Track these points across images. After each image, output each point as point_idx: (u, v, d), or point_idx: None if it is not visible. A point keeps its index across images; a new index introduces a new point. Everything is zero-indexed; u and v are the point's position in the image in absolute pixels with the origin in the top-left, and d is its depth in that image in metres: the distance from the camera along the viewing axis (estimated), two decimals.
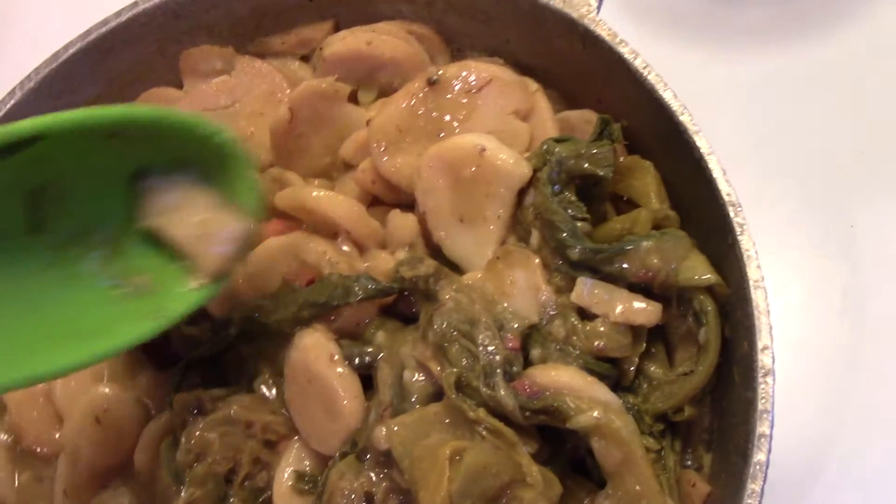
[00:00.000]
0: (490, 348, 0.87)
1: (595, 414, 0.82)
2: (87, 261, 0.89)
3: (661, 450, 0.88)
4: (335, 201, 1.02)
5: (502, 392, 0.85)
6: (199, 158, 0.91)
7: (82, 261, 0.88)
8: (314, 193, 1.03)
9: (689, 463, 0.92)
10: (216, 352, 1.02)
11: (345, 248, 1.02)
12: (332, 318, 0.98)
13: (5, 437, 1.11)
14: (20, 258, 0.85)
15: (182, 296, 0.91)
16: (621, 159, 0.99)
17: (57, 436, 1.06)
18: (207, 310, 1.03)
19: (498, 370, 0.86)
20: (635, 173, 0.97)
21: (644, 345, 0.90)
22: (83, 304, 0.88)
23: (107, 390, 1.07)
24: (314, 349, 0.96)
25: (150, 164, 0.91)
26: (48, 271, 0.86)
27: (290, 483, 0.99)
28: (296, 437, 1.01)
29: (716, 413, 0.92)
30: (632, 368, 0.90)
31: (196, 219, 0.90)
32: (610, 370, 0.88)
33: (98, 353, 0.87)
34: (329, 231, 1.03)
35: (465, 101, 1.01)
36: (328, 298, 0.96)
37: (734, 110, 1.24)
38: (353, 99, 1.11)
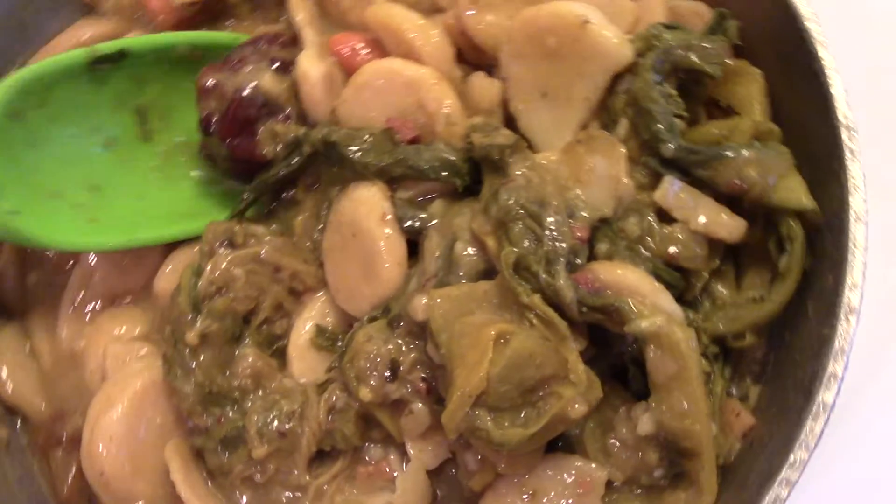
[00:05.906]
0: (556, 234, 0.81)
1: (658, 321, 0.77)
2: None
3: (710, 374, 0.83)
4: (427, 37, 0.94)
5: (562, 281, 0.79)
6: None
7: (190, 166, 1.05)
8: (409, 19, 0.95)
9: (734, 392, 0.88)
10: (284, 177, 0.97)
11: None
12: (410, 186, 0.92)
13: None
14: (135, 160, 1.03)
15: None
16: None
17: None
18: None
19: (561, 258, 0.80)
20: (741, 79, 0.89)
21: (717, 261, 0.84)
22: (187, 197, 1.04)
23: None
24: (368, 203, 0.90)
25: None
26: (157, 172, 1.04)
27: (309, 336, 0.94)
28: (322, 292, 0.97)
29: (773, 346, 0.87)
30: (699, 284, 0.84)
31: None
32: (678, 280, 0.83)
33: (189, 231, 1.00)
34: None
35: None
36: (428, 169, 0.89)
37: (866, 34, 1.13)
38: None
